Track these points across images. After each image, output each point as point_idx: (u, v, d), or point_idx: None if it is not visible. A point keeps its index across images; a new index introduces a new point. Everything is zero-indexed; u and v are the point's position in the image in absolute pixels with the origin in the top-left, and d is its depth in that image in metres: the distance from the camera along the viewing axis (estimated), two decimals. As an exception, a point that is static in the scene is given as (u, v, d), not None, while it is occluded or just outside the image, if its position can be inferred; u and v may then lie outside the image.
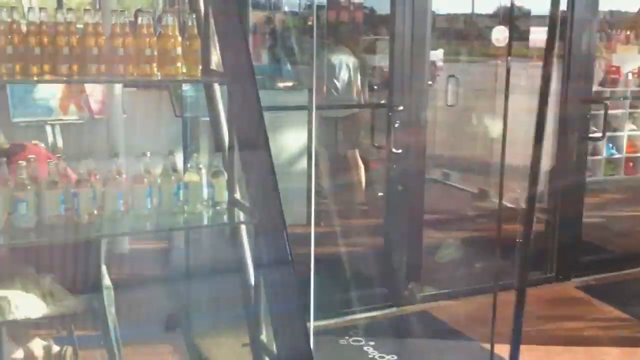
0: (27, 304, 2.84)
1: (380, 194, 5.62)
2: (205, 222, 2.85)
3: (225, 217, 2.87)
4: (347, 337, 4.19)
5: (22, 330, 3.01)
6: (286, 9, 8.19)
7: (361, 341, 4.15)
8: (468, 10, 9.15)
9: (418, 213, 4.72)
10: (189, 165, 2.82)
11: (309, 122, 4.91)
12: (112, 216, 2.63)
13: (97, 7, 5.75)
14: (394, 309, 4.60)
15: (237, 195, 2.96)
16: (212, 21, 2.93)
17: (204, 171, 2.78)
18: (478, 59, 8.59)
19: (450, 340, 4.22)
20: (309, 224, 3.62)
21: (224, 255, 3.43)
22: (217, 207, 2.81)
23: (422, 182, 4.75)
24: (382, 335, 4.24)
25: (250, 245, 3.11)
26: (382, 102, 4.88)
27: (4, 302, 2.79)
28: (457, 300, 4.70)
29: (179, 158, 3.05)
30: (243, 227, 3.11)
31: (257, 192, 2.82)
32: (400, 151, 4.46)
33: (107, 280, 3.07)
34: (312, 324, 3.37)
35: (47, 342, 3.18)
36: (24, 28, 2.47)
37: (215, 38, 2.95)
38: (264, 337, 2.96)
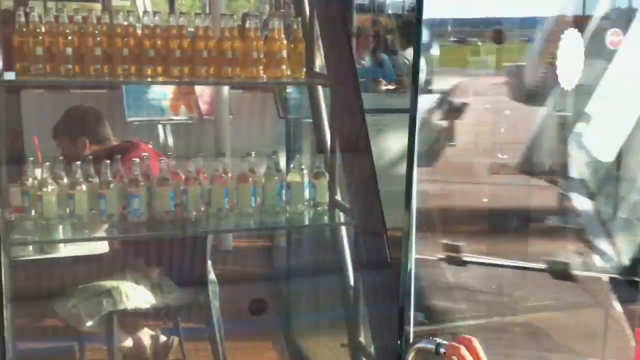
0: (137, 295, 2.97)
1: (484, 199, 5.50)
2: (307, 222, 2.89)
3: (326, 218, 2.90)
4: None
5: (132, 319, 3.14)
6: (390, 11, 8.17)
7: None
8: (579, 12, 8.81)
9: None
10: (291, 165, 2.87)
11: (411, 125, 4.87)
12: (218, 213, 2.71)
13: (207, 11, 5.93)
14: (496, 318, 4.48)
15: (338, 197, 2.99)
16: (316, 24, 2.97)
17: (305, 172, 2.82)
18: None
19: (555, 354, 4.07)
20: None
21: (324, 255, 3.47)
22: (318, 208, 2.84)
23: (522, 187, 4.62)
24: (483, 344, 4.15)
25: (350, 247, 3.13)
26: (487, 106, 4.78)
27: (116, 292, 2.93)
28: (563, 312, 4.53)
29: (282, 158, 3.11)
30: (343, 229, 3.13)
31: (358, 194, 2.84)
32: (506, 157, 4.37)
33: (212, 275, 3.17)
34: (412, 329, 3.34)
35: (155, 332, 3.31)
36: (139, 31, 2.59)
37: (320, 41, 2.99)
38: (362, 338, 2.97)
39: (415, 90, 2.46)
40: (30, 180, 2.53)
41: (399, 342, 1.78)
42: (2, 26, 2.32)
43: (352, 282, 3.06)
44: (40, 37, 2.46)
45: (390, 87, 6.56)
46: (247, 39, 2.69)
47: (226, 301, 3.28)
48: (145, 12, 2.73)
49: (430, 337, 1.26)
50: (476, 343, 1.18)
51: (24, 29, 2.45)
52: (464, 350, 1.16)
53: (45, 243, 2.76)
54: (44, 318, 3.45)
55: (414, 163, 2.61)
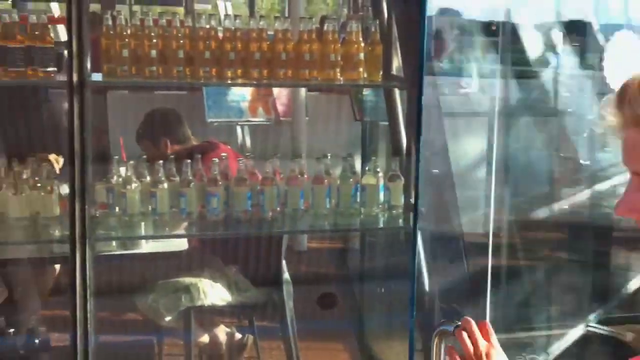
0: (214, 292, 3.04)
1: (565, 206, 5.34)
2: (381, 225, 2.88)
3: (400, 221, 2.89)
4: (524, 354, 4.02)
5: (209, 316, 3.21)
6: (470, 14, 8.06)
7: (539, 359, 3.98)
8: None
9: (606, 229, 4.45)
10: (366, 168, 2.87)
11: (490, 129, 4.79)
12: (294, 214, 2.74)
13: (286, 14, 6.01)
14: (575, 329, 4.35)
15: (413, 200, 2.96)
16: (394, 27, 2.96)
17: (381, 175, 2.82)
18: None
19: None
20: (486, 233, 3.54)
21: (399, 259, 3.44)
22: (393, 211, 2.83)
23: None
24: (562, 355, 4.03)
25: (425, 251, 3.10)
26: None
27: (194, 289, 3.00)
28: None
29: (357, 161, 3.11)
30: (418, 232, 3.10)
31: (434, 197, 2.81)
32: (588, 162, 4.24)
33: (286, 275, 3.20)
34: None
35: (230, 329, 3.37)
36: (220, 34, 2.64)
37: (397, 43, 2.98)
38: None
39: (420, 90, 2.44)
40: (115, 178, 2.62)
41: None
42: (90, 29, 2.41)
43: (427, 287, 3.03)
44: (127, 40, 2.54)
45: (469, 90, 6.47)
46: (325, 41, 2.70)
47: (300, 301, 3.30)
48: (226, 15, 2.79)
49: (453, 321, 1.30)
50: (489, 326, 1.24)
51: (111, 32, 2.54)
52: (474, 325, 1.22)
53: (128, 239, 2.85)
54: (125, 312, 3.57)
55: (420, 164, 2.61)
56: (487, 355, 1.19)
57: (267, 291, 3.13)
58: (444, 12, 7.09)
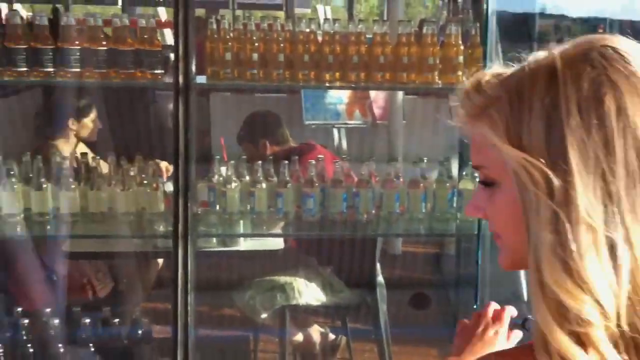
0: (308, 292, 3.07)
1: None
2: (477, 230, 2.84)
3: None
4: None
5: (303, 315, 3.25)
6: (574, 16, 7.81)
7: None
8: None
9: None
10: (464, 173, 2.83)
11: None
12: (388, 217, 2.74)
13: (385, 17, 6.00)
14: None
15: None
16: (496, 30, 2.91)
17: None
18: None
19: None
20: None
21: (495, 265, 3.38)
22: (491, 216, 2.78)
23: None
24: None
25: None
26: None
27: (289, 288, 3.05)
28: None
29: (454, 165, 3.07)
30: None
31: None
32: None
33: (380, 278, 3.20)
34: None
35: (324, 329, 3.40)
36: (319, 38, 2.68)
37: (499, 46, 2.92)
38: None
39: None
40: (216, 177, 2.71)
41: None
42: (195, 33, 2.50)
43: (525, 296, 2.96)
44: (230, 44, 2.62)
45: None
46: (424, 44, 2.69)
47: (393, 305, 3.29)
48: (325, 19, 2.82)
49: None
50: (506, 311, 1.31)
51: (215, 36, 2.63)
52: (490, 306, 1.31)
53: (227, 236, 2.93)
54: (223, 307, 3.67)
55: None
56: (484, 330, 1.28)
57: (361, 293, 3.14)
58: (543, 13, 6.87)
